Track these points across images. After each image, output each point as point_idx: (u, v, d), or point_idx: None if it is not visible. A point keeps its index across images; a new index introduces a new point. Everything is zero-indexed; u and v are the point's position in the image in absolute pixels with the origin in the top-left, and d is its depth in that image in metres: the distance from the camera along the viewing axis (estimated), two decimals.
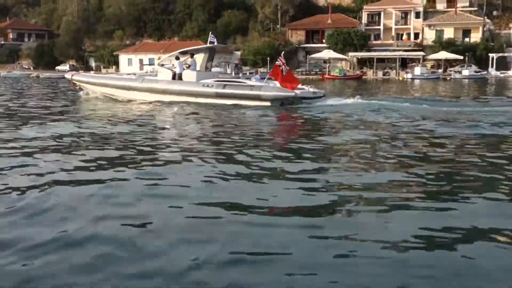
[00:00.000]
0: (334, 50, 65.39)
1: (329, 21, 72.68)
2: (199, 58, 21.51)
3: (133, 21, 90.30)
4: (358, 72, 62.99)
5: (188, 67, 20.75)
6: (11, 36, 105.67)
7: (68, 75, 25.28)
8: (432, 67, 62.55)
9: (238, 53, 75.82)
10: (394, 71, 62.34)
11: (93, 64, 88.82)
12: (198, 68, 21.10)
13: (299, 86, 19.14)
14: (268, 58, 67.24)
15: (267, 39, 72.18)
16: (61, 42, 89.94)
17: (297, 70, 68.93)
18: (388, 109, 16.17)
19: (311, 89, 19.44)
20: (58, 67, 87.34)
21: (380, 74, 62.30)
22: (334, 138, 10.43)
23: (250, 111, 16.05)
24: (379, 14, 70.96)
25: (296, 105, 17.94)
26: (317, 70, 66.72)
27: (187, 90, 19.57)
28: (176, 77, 20.50)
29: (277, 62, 18.71)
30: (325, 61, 66.23)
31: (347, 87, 38.34)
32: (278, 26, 76.92)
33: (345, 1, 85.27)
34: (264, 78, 19.83)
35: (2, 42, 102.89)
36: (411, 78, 56.65)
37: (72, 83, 24.52)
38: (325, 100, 19.00)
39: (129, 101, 20.45)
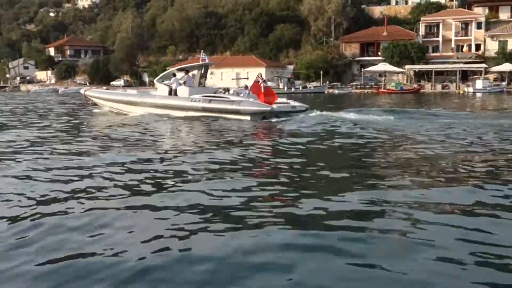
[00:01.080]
0: (390, 63, 64.38)
1: (385, 33, 71.65)
2: (197, 74, 23.47)
3: (185, 37, 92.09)
4: (415, 85, 61.70)
5: (184, 83, 22.57)
6: (68, 53, 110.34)
7: (82, 91, 27.56)
8: (495, 79, 60.50)
9: (291, 67, 75.88)
10: (454, 84, 60.70)
11: (146, 79, 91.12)
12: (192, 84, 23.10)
13: (283, 100, 21.31)
14: (322, 72, 66.81)
15: (320, 53, 71.88)
16: (116, 57, 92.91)
17: (351, 84, 68.22)
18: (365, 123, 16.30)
19: (294, 103, 20.89)
20: (113, 82, 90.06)
21: (439, 87, 60.80)
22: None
23: (232, 124, 17.36)
24: (437, 25, 69.36)
25: (279, 118, 19.08)
26: (372, 84, 65.77)
27: (178, 104, 21.54)
28: (172, 92, 22.47)
29: (256, 79, 20.68)
30: (380, 75, 65.32)
31: (405, 101, 37.90)
32: (331, 39, 76.56)
33: (401, 12, 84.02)
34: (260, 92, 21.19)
35: (60, 59, 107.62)
36: (473, 92, 54.94)
37: (85, 98, 26.73)
38: (309, 113, 20.03)
39: (129, 114, 22.50)
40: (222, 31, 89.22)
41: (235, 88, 68.32)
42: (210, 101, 20.69)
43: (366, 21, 79.30)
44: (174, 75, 23.04)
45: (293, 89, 59.76)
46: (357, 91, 63.03)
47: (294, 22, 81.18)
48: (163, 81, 23.64)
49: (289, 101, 21.51)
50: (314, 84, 66.28)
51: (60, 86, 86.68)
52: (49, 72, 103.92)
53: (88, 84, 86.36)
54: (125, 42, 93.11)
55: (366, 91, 62.63)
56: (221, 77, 77.84)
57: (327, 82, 64.23)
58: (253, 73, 74.10)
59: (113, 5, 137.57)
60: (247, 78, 73.43)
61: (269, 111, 19.50)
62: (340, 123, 16.39)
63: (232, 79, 74.48)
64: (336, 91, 62.22)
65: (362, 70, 68.11)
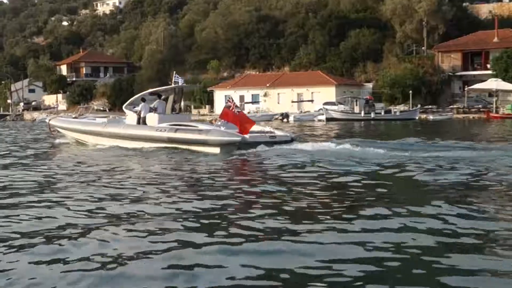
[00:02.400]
0: (504, 79, 63.57)
1: (496, 39, 71.07)
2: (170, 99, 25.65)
3: (232, 48, 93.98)
4: None
5: (155, 109, 24.74)
6: (84, 71, 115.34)
7: (47, 119, 30.64)
8: None
9: (370, 85, 75.98)
10: None
11: (181, 103, 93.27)
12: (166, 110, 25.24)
13: (261, 129, 23.21)
14: (411, 92, 66.42)
15: (408, 66, 71.83)
16: (143, 76, 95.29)
17: (451, 106, 67.61)
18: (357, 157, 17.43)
19: (277, 132, 22.72)
20: (137, 108, 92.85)
21: None
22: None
23: (193, 159, 18.82)
24: None
25: (261, 149, 20.58)
26: (480, 106, 65.08)
27: (142, 135, 23.66)
28: (141, 121, 24.63)
29: (226, 104, 22.60)
30: (491, 94, 64.51)
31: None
32: (423, 48, 76.42)
33: None
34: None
35: (74, 79, 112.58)
36: None
37: (49, 128, 29.71)
38: (292, 145, 21.47)
39: (95, 146, 25.04)
40: (279, 40, 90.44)
41: (296, 113, 69.59)
42: (176, 130, 22.56)
43: (470, 24, 78.56)
44: (144, 100, 25.34)
45: (372, 114, 59.40)
46: (460, 116, 62.35)
47: (374, 27, 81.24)
48: (134, 107, 25.78)
49: (270, 129, 23.50)
50: (402, 107, 66.08)
51: (72, 113, 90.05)
52: (59, 95, 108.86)
53: (108, 110, 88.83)
54: (155, 56, 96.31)
55: (471, 116, 61.97)
56: (278, 99, 78.98)
57: (419, 105, 63.59)
58: (320, 94, 74.86)
59: (140, 10, 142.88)
60: (312, 101, 74.38)
61: (239, 141, 21.07)
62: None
63: (293, 102, 75.52)
64: (431, 117, 61.62)
65: (465, 88, 67.48)
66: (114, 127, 25.41)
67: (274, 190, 11.90)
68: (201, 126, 23.01)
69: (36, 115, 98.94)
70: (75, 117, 35.18)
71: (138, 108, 25.37)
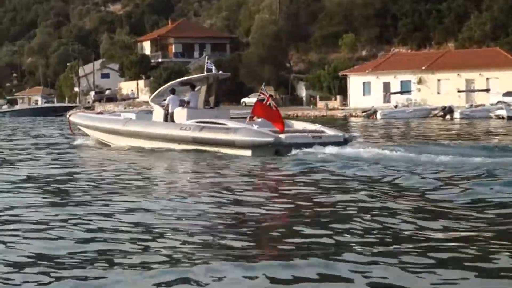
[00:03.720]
0: None
1: None
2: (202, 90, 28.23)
3: (373, 17, 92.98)
4: None
5: (187, 104, 27.33)
6: (173, 49, 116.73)
7: (67, 115, 34.65)
8: None
9: None
10: None
11: (303, 92, 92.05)
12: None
13: (307, 126, 26.19)
14: None
15: None
16: (252, 56, 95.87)
17: None
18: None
19: (325, 130, 25.10)
20: (245, 99, 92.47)
21: None
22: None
23: (216, 164, 21.33)
24: None
25: (281, 154, 22.80)
26: None
27: (163, 134, 26.62)
28: (168, 117, 27.39)
29: (259, 97, 24.50)
30: None
31: None
32: None
33: None
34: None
35: (160, 60, 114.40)
36: None
37: (69, 125, 34.40)
38: (345, 148, 23.35)
39: (116, 145, 28.77)
40: (441, 4, 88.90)
41: (465, 107, 66.74)
42: (201, 129, 25.17)
43: None
44: (173, 91, 28.05)
45: None
46: None
47: None
48: (164, 99, 28.47)
49: (318, 126, 25.99)
50: None
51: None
52: (141, 82, 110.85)
53: None
54: (268, 28, 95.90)
55: None
56: (438, 88, 77.37)
57: None
58: (499, 81, 71.63)
59: None
60: (488, 91, 71.40)
61: (271, 142, 23.28)
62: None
63: (459, 91, 73.52)
64: None
65: None
66: (135, 125, 28.42)
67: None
68: (230, 124, 25.12)
69: (110, 107, 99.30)
70: (100, 113, 38.42)
71: (165, 102, 27.83)
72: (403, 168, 18.40)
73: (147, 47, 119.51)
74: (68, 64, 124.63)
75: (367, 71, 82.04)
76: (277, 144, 23.24)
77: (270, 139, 23.13)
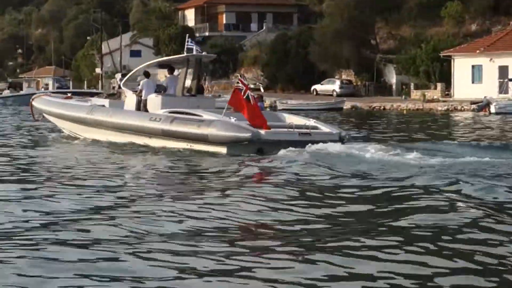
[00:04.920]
0: None
1: None
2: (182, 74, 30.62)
3: None
4: None
5: (164, 90, 29.96)
6: (224, 20, 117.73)
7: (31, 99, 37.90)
8: None
9: None
10: None
11: (393, 78, 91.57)
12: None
13: (295, 120, 28.15)
14: None
15: None
16: (326, 29, 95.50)
17: None
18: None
19: (318, 125, 27.46)
20: (316, 86, 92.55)
21: None
22: None
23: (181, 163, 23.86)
24: None
25: (262, 154, 24.81)
26: None
27: (128, 125, 28.91)
28: (141, 104, 29.66)
29: (236, 85, 27.05)
30: None
31: None
32: None
33: None
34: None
35: (207, 34, 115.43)
36: None
37: (31, 111, 37.61)
38: (339, 146, 25.19)
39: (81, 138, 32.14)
40: None
41: None
42: (172, 120, 27.38)
43: None
44: (147, 75, 30.75)
45: None
46: None
47: None
48: (139, 84, 31.14)
49: (312, 122, 28.16)
50: None
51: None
52: None
53: (262, 89, 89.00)
54: None
55: None
56: None
57: None
58: None
59: None
60: None
61: (248, 138, 25.13)
62: None
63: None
64: None
65: None
66: (100, 113, 30.84)
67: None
68: (206, 116, 27.17)
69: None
70: (69, 97, 39.50)
71: (139, 87, 30.15)
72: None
73: (190, 17, 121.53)
74: (88, 38, 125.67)
75: (477, 51, 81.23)
76: (255, 141, 25.09)
77: (247, 135, 24.95)
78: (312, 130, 26.59)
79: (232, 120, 25.91)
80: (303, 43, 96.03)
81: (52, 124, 36.87)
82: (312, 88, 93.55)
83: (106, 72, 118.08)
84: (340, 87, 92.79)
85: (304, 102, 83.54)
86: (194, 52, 29.66)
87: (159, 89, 29.68)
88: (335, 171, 21.10)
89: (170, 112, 27.80)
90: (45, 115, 35.52)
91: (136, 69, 32.98)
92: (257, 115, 26.09)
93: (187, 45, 30.20)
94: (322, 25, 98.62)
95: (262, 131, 25.30)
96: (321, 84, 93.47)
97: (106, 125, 30.07)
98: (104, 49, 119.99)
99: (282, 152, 24.30)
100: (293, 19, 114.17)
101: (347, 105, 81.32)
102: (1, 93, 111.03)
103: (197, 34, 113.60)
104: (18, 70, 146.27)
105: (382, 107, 76.91)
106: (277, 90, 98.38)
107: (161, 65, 32.56)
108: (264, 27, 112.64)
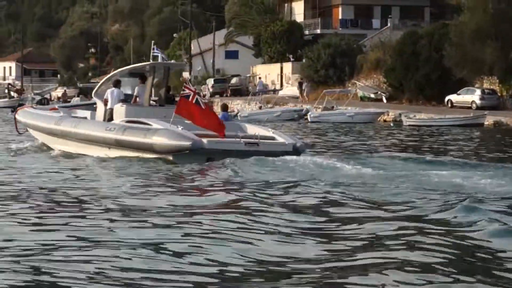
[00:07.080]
0: None
1: None
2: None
3: None
4: None
5: (135, 99, 33.83)
6: (340, 14, 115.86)
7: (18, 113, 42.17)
8: None
9: None
10: None
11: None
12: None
13: (251, 129, 32.64)
14: None
15: None
16: (464, 28, 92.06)
17: None
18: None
19: (278, 137, 31.14)
20: (451, 97, 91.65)
21: None
22: None
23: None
24: None
25: (212, 160, 28.80)
26: None
27: (86, 135, 33.09)
28: (107, 114, 33.81)
29: (183, 92, 30.60)
30: None
31: None
32: None
33: None
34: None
35: (319, 31, 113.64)
36: None
37: (15, 124, 42.17)
38: (294, 157, 28.83)
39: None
40: None
41: None
42: (125, 130, 31.22)
43: None
44: (117, 83, 34.66)
45: None
46: None
47: None
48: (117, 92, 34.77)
49: (270, 132, 32.29)
50: None
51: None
52: (287, 65, 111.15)
53: (385, 100, 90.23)
54: None
55: None
56: None
57: None
58: None
59: None
60: None
61: (190, 147, 28.70)
62: None
63: None
64: None
65: None
66: (65, 123, 34.88)
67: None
68: (155, 125, 30.57)
69: (238, 106, 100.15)
70: (54, 108, 42.18)
71: (105, 96, 34.01)
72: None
73: (298, 11, 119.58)
74: (174, 35, 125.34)
75: None
76: (197, 150, 28.83)
77: (187, 144, 28.76)
78: (261, 141, 29.97)
79: (179, 128, 29.56)
80: (437, 43, 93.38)
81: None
82: (447, 98, 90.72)
83: (196, 76, 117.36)
84: (481, 98, 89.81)
85: (436, 116, 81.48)
86: (160, 60, 33.59)
87: (127, 98, 33.11)
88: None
89: (127, 122, 31.59)
90: (28, 128, 39.65)
91: (106, 77, 36.39)
92: (212, 120, 29.83)
93: (153, 52, 33.48)
94: (461, 22, 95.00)
95: (205, 140, 29.04)
96: (458, 94, 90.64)
97: (70, 136, 34.26)
98: (194, 49, 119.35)
99: (228, 160, 27.70)
100: (425, 14, 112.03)
101: (489, 120, 79.24)
102: (70, 101, 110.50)
103: (306, 32, 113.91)
104: (90, 74, 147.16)
105: None
106: (403, 101, 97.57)
107: (131, 74, 35.89)
108: (388, 24, 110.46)
